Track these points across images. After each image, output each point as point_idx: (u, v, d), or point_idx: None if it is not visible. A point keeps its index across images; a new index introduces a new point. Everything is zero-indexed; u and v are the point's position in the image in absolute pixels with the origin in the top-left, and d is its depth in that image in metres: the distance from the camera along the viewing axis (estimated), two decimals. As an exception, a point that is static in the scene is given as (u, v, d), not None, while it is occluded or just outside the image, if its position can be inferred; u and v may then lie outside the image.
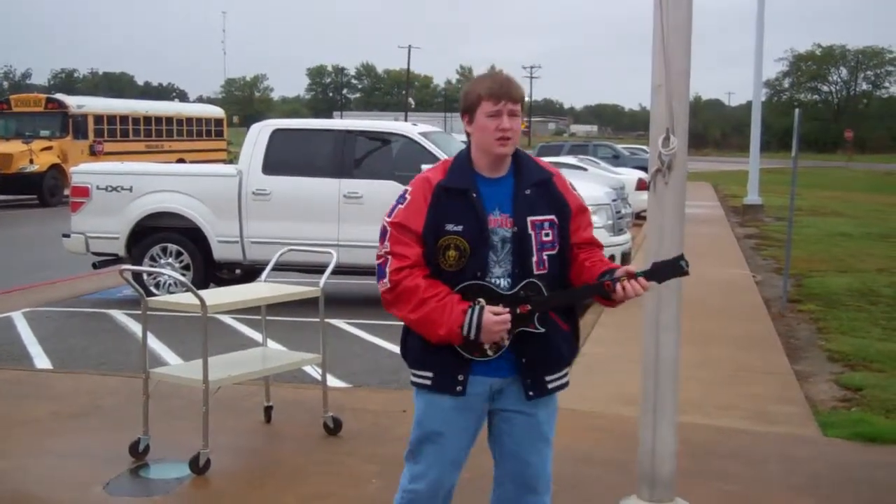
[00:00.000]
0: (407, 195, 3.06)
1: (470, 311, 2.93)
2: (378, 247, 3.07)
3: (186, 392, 5.47)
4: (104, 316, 9.57)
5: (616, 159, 28.97)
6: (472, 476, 3.77)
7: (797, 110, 10.43)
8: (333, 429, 5.51)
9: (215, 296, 5.47)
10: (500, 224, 3.01)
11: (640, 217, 18.09)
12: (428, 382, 3.09)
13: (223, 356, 5.56)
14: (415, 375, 3.14)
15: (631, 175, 21.06)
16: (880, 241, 17.59)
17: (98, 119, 28.16)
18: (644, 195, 15.64)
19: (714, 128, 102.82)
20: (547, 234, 3.03)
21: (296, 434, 5.57)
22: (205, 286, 9.13)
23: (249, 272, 10.18)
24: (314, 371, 6.36)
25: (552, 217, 3.05)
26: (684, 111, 3.98)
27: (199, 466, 4.80)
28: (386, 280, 3.00)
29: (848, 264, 13.77)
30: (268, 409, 5.78)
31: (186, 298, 5.07)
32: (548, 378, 3.08)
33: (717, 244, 16.10)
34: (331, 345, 6.10)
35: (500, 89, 2.99)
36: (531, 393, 3.06)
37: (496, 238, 3.00)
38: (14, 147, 24.85)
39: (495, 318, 2.93)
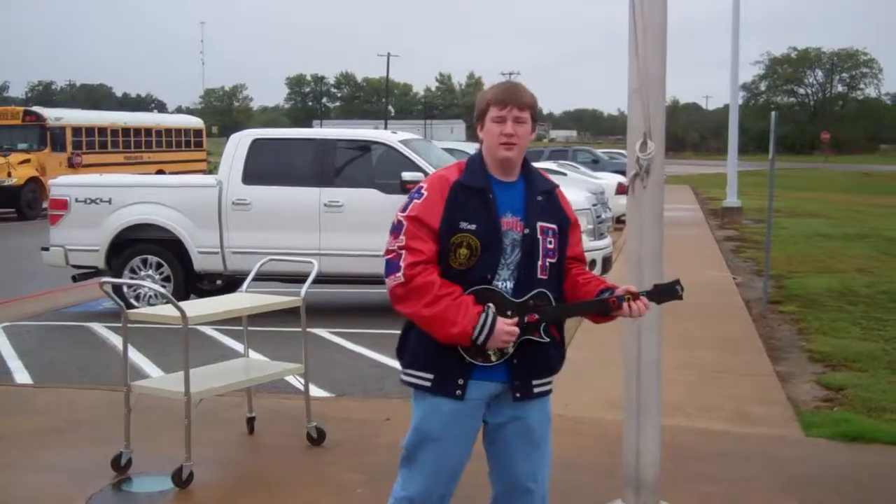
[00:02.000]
0: (423, 191, 3.06)
1: (484, 314, 2.94)
2: (389, 241, 3.04)
3: (168, 404, 5.44)
4: (84, 329, 9.50)
5: (595, 164, 29.10)
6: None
7: (774, 113, 10.50)
8: (317, 439, 5.49)
9: (196, 307, 5.44)
10: (511, 226, 3.04)
11: (620, 221, 18.14)
12: (427, 384, 3.07)
13: (205, 368, 5.53)
14: (412, 376, 3.12)
15: (610, 179, 21.17)
16: (858, 241, 17.71)
17: (76, 131, 27.97)
18: (624, 199, 15.70)
19: (692, 131, 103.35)
20: (550, 242, 3.09)
21: (279, 444, 5.55)
22: (185, 297, 9.09)
23: (230, 283, 10.14)
24: (297, 381, 6.35)
25: (555, 226, 3.12)
26: (661, 115, 4.00)
27: (182, 479, 4.77)
28: (400, 274, 2.97)
29: (827, 265, 13.86)
30: (250, 420, 5.75)
31: (167, 310, 5.04)
32: (535, 382, 3.12)
33: (696, 247, 16.19)
34: (313, 354, 6.08)
35: (506, 95, 3.07)
36: (518, 395, 3.08)
37: (507, 240, 3.03)
38: (-9, 160, 24.64)
39: (507, 326, 2.96)
